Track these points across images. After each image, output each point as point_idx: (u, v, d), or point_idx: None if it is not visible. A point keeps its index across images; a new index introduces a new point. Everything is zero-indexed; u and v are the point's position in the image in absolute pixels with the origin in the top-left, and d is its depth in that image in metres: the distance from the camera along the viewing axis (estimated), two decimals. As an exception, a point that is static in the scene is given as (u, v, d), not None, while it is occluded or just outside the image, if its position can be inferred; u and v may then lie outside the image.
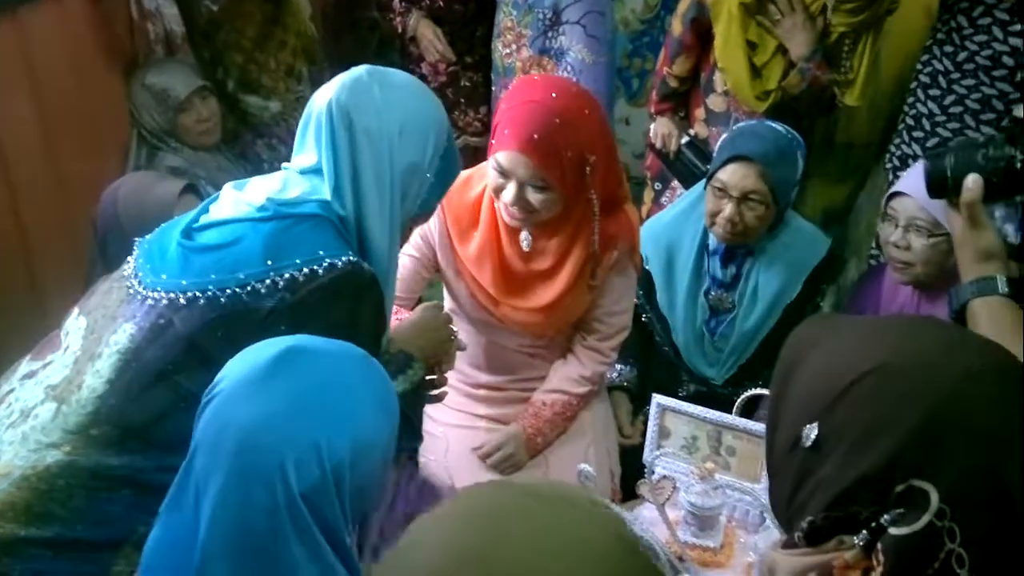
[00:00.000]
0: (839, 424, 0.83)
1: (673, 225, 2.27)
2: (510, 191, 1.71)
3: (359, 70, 1.46)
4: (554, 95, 1.68)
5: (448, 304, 2.01)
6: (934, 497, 0.78)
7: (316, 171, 1.42)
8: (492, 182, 1.75)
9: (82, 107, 2.39)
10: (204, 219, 1.40)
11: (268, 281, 1.30)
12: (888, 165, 2.68)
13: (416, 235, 1.92)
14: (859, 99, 2.51)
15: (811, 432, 0.84)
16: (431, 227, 1.89)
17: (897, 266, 1.94)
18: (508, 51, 2.95)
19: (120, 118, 2.59)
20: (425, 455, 2.10)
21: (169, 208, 1.80)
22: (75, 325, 1.39)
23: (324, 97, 1.42)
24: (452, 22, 3.05)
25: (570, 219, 1.81)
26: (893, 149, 2.62)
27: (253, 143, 2.87)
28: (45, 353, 1.38)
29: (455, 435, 2.05)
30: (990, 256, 1.25)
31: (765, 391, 1.85)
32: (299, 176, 1.43)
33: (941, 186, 1.28)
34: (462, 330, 2.01)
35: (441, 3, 3.01)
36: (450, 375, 2.06)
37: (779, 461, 0.90)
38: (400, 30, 3.04)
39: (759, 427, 1.74)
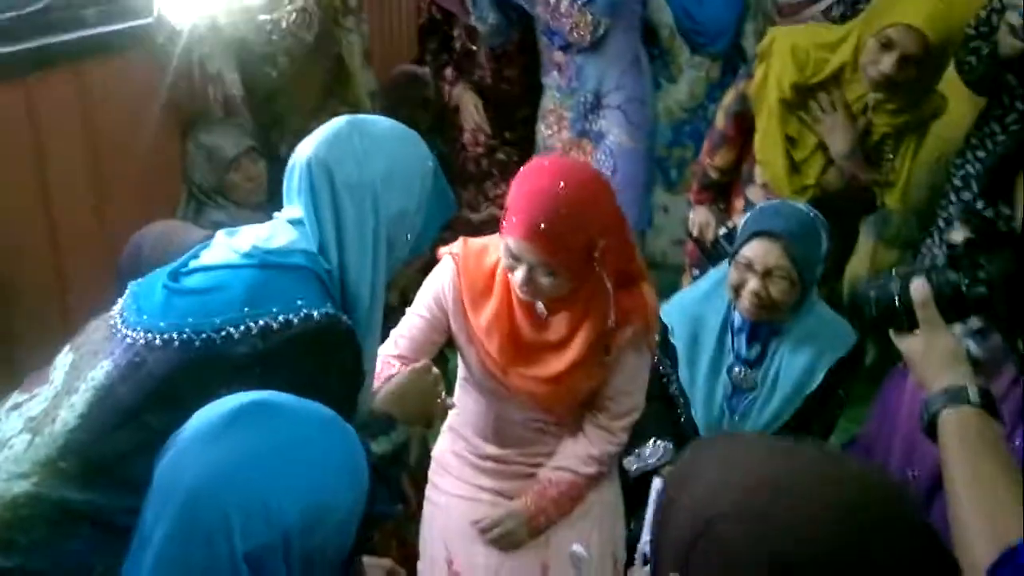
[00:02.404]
0: (698, 573, 0.80)
1: (700, 300, 2.26)
2: (520, 274, 1.73)
3: (339, 121, 1.46)
4: (562, 184, 1.68)
5: (461, 372, 2.01)
6: None
7: (303, 222, 1.42)
8: (504, 261, 1.77)
9: (136, 161, 2.48)
10: (193, 263, 1.42)
11: (243, 327, 1.30)
12: (933, 227, 2.62)
13: (430, 298, 1.93)
14: (899, 201, 2.49)
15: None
16: (446, 291, 1.90)
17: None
18: (550, 132, 3.02)
19: (173, 174, 2.70)
20: (424, 524, 2.09)
21: (190, 255, 1.84)
22: (63, 361, 1.40)
23: (304, 151, 1.42)
24: (497, 100, 3.16)
25: (581, 293, 1.81)
26: (924, 251, 2.59)
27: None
28: (33, 387, 1.39)
29: (457, 506, 2.02)
30: (956, 362, 1.19)
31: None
32: (288, 226, 1.43)
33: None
34: (471, 399, 2.01)
35: (489, 80, 3.13)
36: (457, 444, 2.07)
37: (668, 553, 0.86)
38: (447, 99, 3.16)
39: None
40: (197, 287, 1.36)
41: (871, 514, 0.78)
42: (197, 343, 1.29)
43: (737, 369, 2.17)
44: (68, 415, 1.29)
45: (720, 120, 2.71)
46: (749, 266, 2.05)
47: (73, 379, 1.34)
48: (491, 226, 1.81)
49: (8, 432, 1.32)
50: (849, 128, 2.41)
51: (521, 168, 1.77)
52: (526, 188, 1.71)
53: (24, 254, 2.17)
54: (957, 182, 2.48)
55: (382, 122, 1.49)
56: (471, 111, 3.12)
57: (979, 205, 2.48)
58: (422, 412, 1.59)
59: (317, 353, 1.33)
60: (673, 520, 0.85)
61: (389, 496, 1.47)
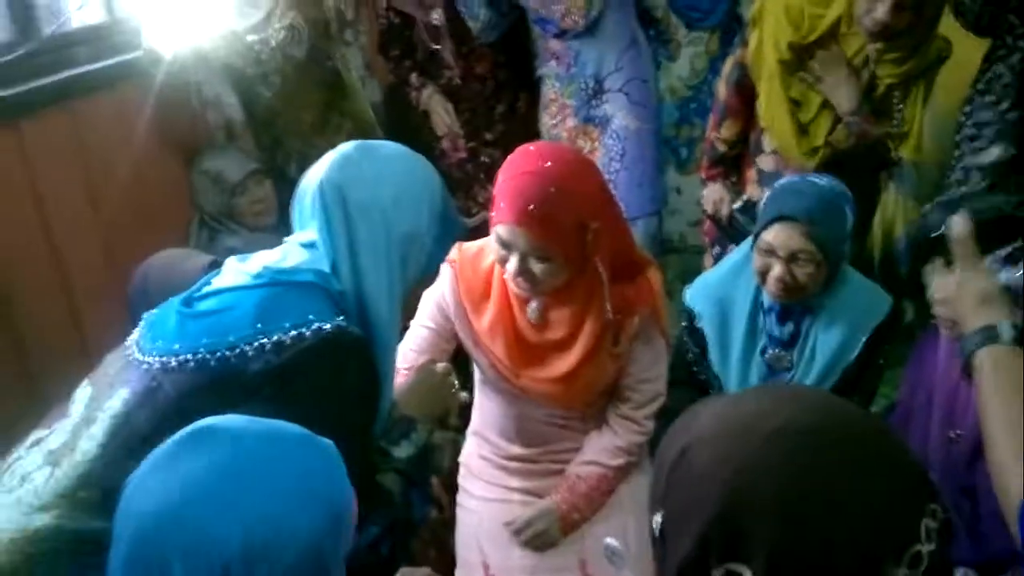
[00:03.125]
0: (670, 510, 0.80)
1: (724, 281, 2.20)
2: (513, 263, 1.69)
3: (347, 146, 1.50)
4: (548, 164, 1.65)
5: (477, 375, 1.98)
6: None
7: (315, 245, 1.45)
8: (496, 254, 1.73)
9: (141, 193, 2.49)
10: (206, 289, 1.44)
11: (256, 344, 1.32)
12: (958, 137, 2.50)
13: (433, 307, 1.90)
14: (915, 152, 2.40)
15: (656, 521, 0.82)
16: (446, 298, 1.87)
17: (945, 324, 1.81)
18: (554, 122, 2.97)
19: (182, 203, 2.70)
20: (458, 530, 2.05)
21: (194, 282, 1.83)
22: (82, 395, 1.42)
23: (315, 176, 1.46)
24: (470, 99, 3.10)
25: (580, 288, 1.76)
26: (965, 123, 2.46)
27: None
28: (52, 422, 1.41)
29: (488, 509, 1.99)
30: (990, 300, 1.18)
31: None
32: (300, 248, 1.46)
33: (927, 249, 1.25)
34: (491, 401, 1.97)
35: (459, 80, 3.07)
36: (483, 448, 2.03)
37: (653, 551, 0.87)
38: (415, 104, 3.11)
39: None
40: (210, 309, 1.39)
41: (839, 453, 0.77)
42: (212, 362, 1.32)
43: (771, 351, 2.12)
44: (88, 445, 1.31)
45: (721, 91, 2.65)
46: (772, 252, 1.99)
47: (92, 410, 1.36)
48: (485, 231, 1.79)
49: (29, 467, 1.33)
50: (853, 83, 2.34)
51: None
52: (512, 172, 1.68)
53: (35, 297, 2.18)
54: (968, 131, 2.39)
55: (389, 146, 1.53)
56: (442, 115, 3.07)
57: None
58: (436, 406, 1.60)
59: (331, 364, 1.35)
60: (658, 465, 0.86)
61: (421, 499, 1.48)
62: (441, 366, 1.64)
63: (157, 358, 1.35)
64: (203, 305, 1.41)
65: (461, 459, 2.09)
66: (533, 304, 1.79)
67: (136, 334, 1.44)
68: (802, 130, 2.44)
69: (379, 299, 1.43)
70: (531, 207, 1.62)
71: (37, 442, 1.39)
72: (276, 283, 1.39)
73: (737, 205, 2.62)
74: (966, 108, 2.42)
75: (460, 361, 1.91)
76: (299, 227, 1.50)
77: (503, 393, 1.92)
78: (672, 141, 3.08)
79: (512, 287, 1.76)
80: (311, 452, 1.02)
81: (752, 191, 2.64)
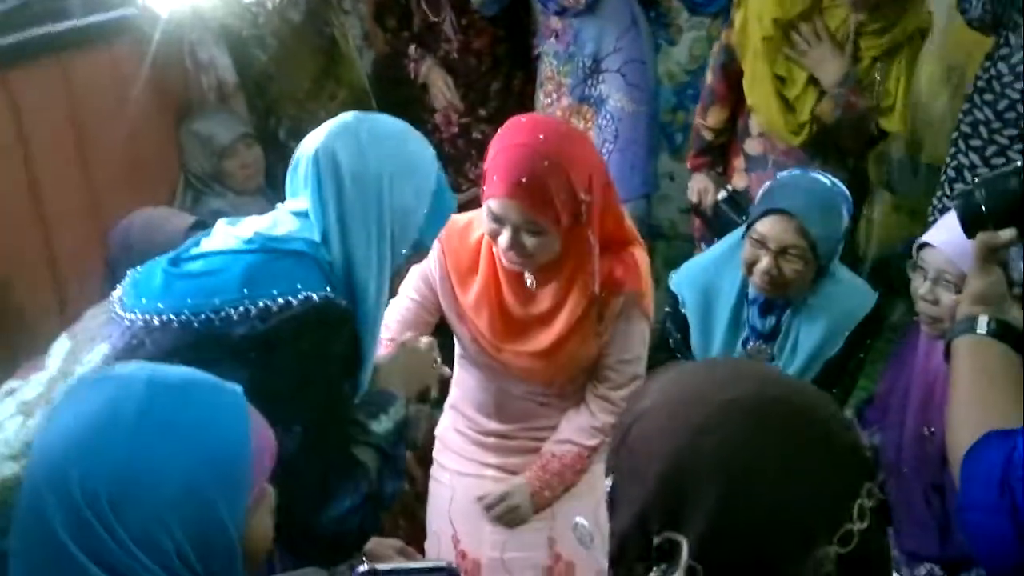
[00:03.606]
0: (618, 477, 0.81)
1: (712, 269, 2.19)
2: (505, 237, 1.68)
3: (346, 116, 1.48)
4: (541, 136, 1.64)
5: (457, 349, 1.98)
6: (684, 550, 0.75)
7: (306, 214, 1.44)
8: (487, 228, 1.73)
9: (128, 151, 2.47)
10: (195, 250, 1.43)
11: (242, 309, 1.31)
12: (931, 219, 2.55)
13: (418, 278, 1.90)
14: (901, 124, 2.42)
15: (608, 485, 0.83)
16: (432, 270, 1.87)
17: (926, 320, 1.81)
18: (549, 100, 2.95)
19: (169, 163, 2.68)
20: (430, 503, 2.06)
21: (177, 242, 1.82)
22: (59, 348, 1.41)
23: (312, 143, 1.44)
24: (466, 74, 3.09)
25: (567, 262, 1.76)
26: (935, 202, 2.50)
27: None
28: (28, 373, 1.40)
29: (461, 483, 1.99)
30: (984, 299, 1.23)
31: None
32: (291, 216, 1.45)
33: (977, 221, 1.25)
34: (470, 375, 1.97)
35: (456, 54, 3.06)
36: (459, 422, 2.03)
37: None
38: (413, 76, 3.09)
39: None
40: (197, 271, 1.38)
41: (784, 427, 0.78)
42: (196, 324, 1.31)
43: (752, 342, 2.12)
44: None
45: (709, 76, 2.66)
46: (763, 243, 1.98)
47: (69, 364, 1.36)
48: (474, 207, 1.78)
49: (1, 416, 1.33)
50: (837, 56, 2.36)
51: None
52: (504, 144, 1.68)
53: (15, 249, 2.16)
54: (966, 128, 2.39)
55: (388, 120, 1.51)
56: (441, 88, 3.04)
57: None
58: (416, 383, 1.59)
59: (315, 334, 1.34)
60: (613, 431, 0.87)
61: (395, 473, 1.46)
62: (425, 341, 1.63)
63: (140, 315, 1.34)
64: (191, 266, 1.39)
65: (437, 432, 2.10)
66: (528, 277, 1.79)
67: (120, 290, 1.42)
68: (788, 107, 2.45)
69: (367, 272, 1.42)
70: (523, 179, 1.61)
71: (11, 392, 1.38)
72: (266, 250, 1.38)
73: (722, 195, 2.62)
74: (964, 105, 2.42)
75: (441, 335, 1.90)
76: (291, 194, 1.49)
77: (483, 368, 1.92)
78: (667, 127, 3.07)
79: (504, 261, 1.75)
80: (206, 401, 1.01)
81: (739, 180, 2.63)
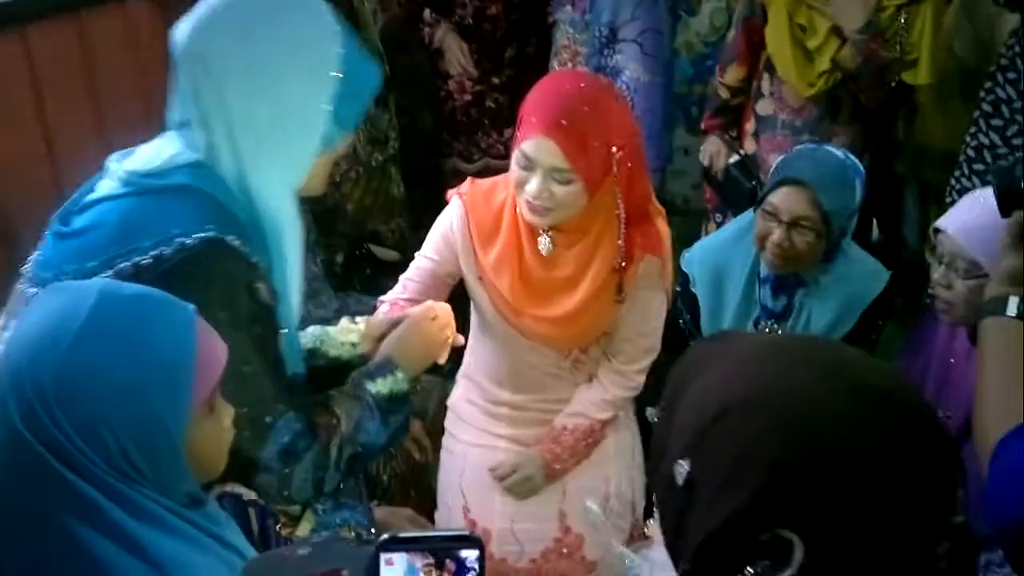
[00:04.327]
0: (706, 463, 0.76)
1: (723, 248, 2.19)
2: (534, 183, 1.66)
3: (213, 2, 1.26)
4: (583, 85, 1.68)
5: (473, 317, 1.97)
6: (799, 550, 0.71)
7: (192, 126, 1.26)
8: (515, 176, 1.71)
9: (143, 110, 2.44)
10: (88, 198, 1.30)
11: (116, 269, 1.20)
12: (948, 200, 2.51)
13: (439, 238, 1.87)
14: (928, 77, 2.41)
15: (682, 469, 0.78)
16: (454, 230, 1.85)
17: (940, 306, 1.81)
18: (564, 69, 2.92)
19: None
20: (441, 473, 2.07)
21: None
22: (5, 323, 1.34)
23: (182, 40, 1.24)
24: (481, 40, 3.05)
25: (593, 225, 1.76)
26: (953, 183, 2.48)
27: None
28: None
29: (473, 454, 1.99)
30: (1015, 280, 1.23)
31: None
32: (176, 137, 1.28)
33: (1014, 199, 1.26)
34: (485, 345, 1.96)
35: (471, 20, 3.02)
36: (471, 392, 2.03)
37: (661, 495, 0.83)
38: (427, 41, 3.06)
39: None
40: (80, 227, 1.26)
41: (885, 425, 0.75)
42: None
43: (763, 322, 2.12)
44: None
45: (731, 33, 2.65)
46: (774, 214, 1.97)
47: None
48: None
49: None
50: (860, 1, 2.36)
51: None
52: (545, 88, 1.70)
53: (30, 207, 2.15)
54: (987, 107, 2.36)
55: None
56: (456, 54, 3.01)
57: None
58: (421, 360, 1.51)
59: (198, 285, 1.20)
60: (681, 409, 0.82)
61: (386, 434, 1.41)
62: (442, 308, 1.57)
63: (34, 288, 1.25)
64: (77, 221, 1.27)
65: (449, 402, 2.09)
66: (545, 238, 1.77)
67: (30, 261, 1.32)
68: (808, 56, 2.44)
69: (267, 184, 1.26)
70: (563, 121, 1.62)
71: None
72: (142, 191, 1.24)
73: (733, 159, 2.61)
74: (987, 84, 2.40)
75: (458, 302, 1.88)
76: (174, 102, 1.29)
77: (499, 336, 1.91)
78: (684, 99, 3.05)
79: (526, 214, 1.73)
80: (153, 311, 1.04)
81: (749, 146, 2.62)
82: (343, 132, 1.35)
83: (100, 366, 0.98)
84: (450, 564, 0.82)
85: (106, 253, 1.21)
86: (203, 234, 1.22)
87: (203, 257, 1.22)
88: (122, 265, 1.20)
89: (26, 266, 1.32)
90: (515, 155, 1.69)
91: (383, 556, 0.82)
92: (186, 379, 1.02)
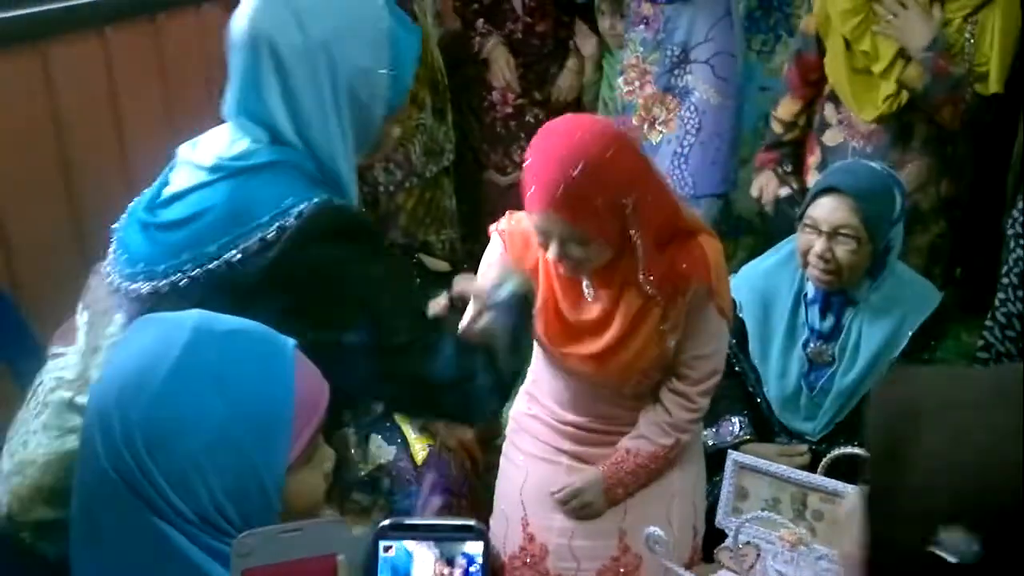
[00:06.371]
0: (894, 488, 0.68)
1: (770, 273, 2.18)
2: (553, 249, 1.63)
3: None
4: (574, 144, 1.56)
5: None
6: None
7: (256, 111, 1.30)
8: (536, 239, 1.68)
9: (210, 113, 2.46)
10: (167, 191, 1.33)
11: (240, 247, 1.23)
12: (1010, 231, 2.39)
13: (487, 269, 1.83)
14: (998, 85, 2.33)
15: (962, 543, 0.66)
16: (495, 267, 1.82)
17: None
18: (630, 88, 2.92)
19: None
20: (501, 480, 2.05)
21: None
22: (81, 320, 1.37)
23: (240, 24, 1.29)
24: (528, 55, 3.10)
25: (620, 264, 1.70)
26: (1016, 215, 2.36)
27: (371, 166, 2.91)
28: (62, 343, 1.37)
29: (535, 468, 1.96)
30: None
31: (858, 450, 1.71)
32: (245, 122, 1.32)
33: None
34: (544, 368, 1.94)
35: (520, 34, 3.06)
36: (534, 407, 2.00)
37: (898, 561, 0.73)
38: (476, 50, 3.09)
39: (851, 489, 1.59)
40: (178, 218, 1.28)
41: None
42: (200, 278, 1.24)
43: (813, 344, 2.09)
44: (97, 374, 1.26)
45: (785, 67, 2.64)
46: (814, 227, 1.96)
47: (93, 339, 1.32)
48: (519, 189, 1.74)
49: (50, 392, 1.31)
50: (925, 19, 2.31)
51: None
52: (536, 155, 1.61)
53: (103, 206, 2.17)
54: (1018, 228, 2.27)
55: None
56: (502, 67, 3.05)
57: None
58: None
59: (325, 244, 1.25)
60: (926, 463, 0.71)
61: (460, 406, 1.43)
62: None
63: (144, 283, 1.27)
64: (168, 213, 1.30)
65: (512, 414, 2.07)
66: (586, 283, 1.74)
67: (110, 256, 1.34)
68: (871, 81, 2.40)
69: (335, 149, 1.31)
70: (562, 192, 1.54)
71: (55, 359, 1.35)
72: (236, 172, 1.27)
73: (784, 191, 2.57)
74: (1020, 205, 2.33)
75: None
76: (234, 90, 1.33)
77: (552, 364, 1.89)
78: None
79: (559, 270, 1.72)
80: (249, 349, 0.99)
81: (811, 179, 2.58)
82: (401, 98, 1.40)
83: (193, 411, 0.93)
84: (460, 560, 0.80)
85: (226, 234, 1.24)
86: (316, 199, 1.25)
87: (324, 216, 1.25)
88: (247, 243, 1.23)
89: (106, 261, 1.34)
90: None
91: (381, 543, 0.80)
92: (283, 424, 0.97)
